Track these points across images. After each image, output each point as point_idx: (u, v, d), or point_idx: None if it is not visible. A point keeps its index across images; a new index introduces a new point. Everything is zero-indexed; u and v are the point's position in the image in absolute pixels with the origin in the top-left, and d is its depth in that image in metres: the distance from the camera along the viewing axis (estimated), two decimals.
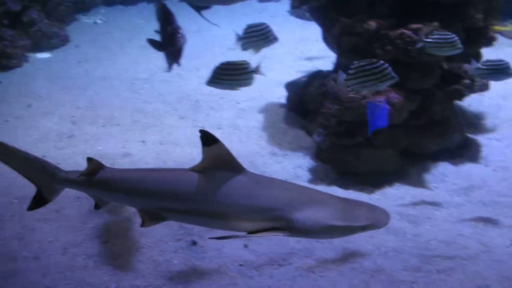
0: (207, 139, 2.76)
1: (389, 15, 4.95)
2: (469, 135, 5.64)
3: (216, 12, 10.97)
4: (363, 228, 2.89)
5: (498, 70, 4.11)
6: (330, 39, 5.72)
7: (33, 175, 3.17)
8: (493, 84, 6.75)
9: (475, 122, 5.95)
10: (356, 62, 3.82)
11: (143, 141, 6.01)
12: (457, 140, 5.41)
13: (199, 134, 2.80)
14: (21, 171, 3.20)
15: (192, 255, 4.05)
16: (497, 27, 5.43)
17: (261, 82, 7.82)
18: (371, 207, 3.02)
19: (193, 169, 2.86)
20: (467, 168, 5.13)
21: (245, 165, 5.48)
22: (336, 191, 5.02)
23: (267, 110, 6.87)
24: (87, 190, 3.27)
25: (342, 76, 3.95)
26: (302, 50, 9.15)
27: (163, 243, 4.07)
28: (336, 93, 5.04)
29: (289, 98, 6.69)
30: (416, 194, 4.82)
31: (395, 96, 4.81)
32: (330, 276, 3.91)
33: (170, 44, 4.22)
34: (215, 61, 8.46)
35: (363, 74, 3.79)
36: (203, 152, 2.83)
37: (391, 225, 4.41)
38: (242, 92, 7.30)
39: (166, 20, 4.29)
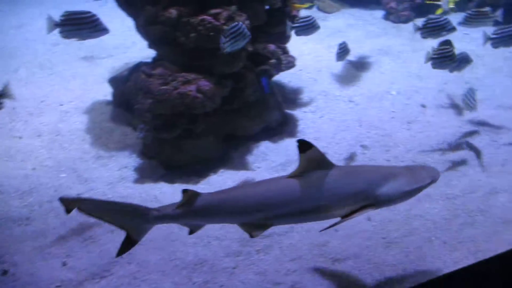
0: (303, 146, 3.01)
1: (190, 1, 4.81)
2: (288, 111, 5.84)
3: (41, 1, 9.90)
4: (428, 185, 3.27)
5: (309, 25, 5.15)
6: (140, 29, 5.44)
7: (125, 222, 3.06)
8: (310, 60, 7.19)
9: (294, 97, 6.18)
10: None
11: None
12: (276, 117, 5.56)
13: (296, 143, 3.03)
14: (114, 222, 3.08)
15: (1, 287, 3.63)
16: (297, 5, 5.64)
17: (87, 79, 7.42)
18: (427, 167, 3.48)
19: (292, 175, 3.06)
20: (285, 144, 5.30)
21: (66, 173, 5.14)
22: (163, 186, 4.88)
23: (93, 109, 6.40)
24: (183, 221, 3.18)
25: None
26: (134, 40, 8.72)
27: None
28: (148, 86, 4.82)
29: (114, 94, 6.29)
30: (238, 178, 4.85)
31: (205, 84, 4.74)
32: (153, 279, 3.77)
33: None
34: (36, 60, 7.76)
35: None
36: (300, 158, 3.04)
37: None
38: (66, 92, 6.82)
39: None
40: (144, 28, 5.01)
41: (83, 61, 7.59)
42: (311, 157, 3.02)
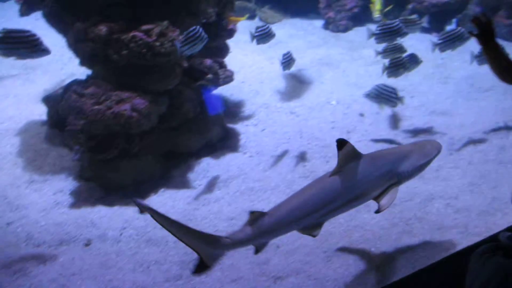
0: (341, 145, 3.24)
1: (122, 17, 4.65)
2: (230, 125, 5.76)
3: None
4: (436, 156, 3.63)
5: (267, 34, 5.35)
6: (71, 46, 5.21)
7: (198, 246, 3.15)
8: (252, 72, 7.16)
9: (236, 111, 6.11)
10: None
11: None
12: (218, 133, 5.47)
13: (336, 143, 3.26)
14: (188, 243, 3.16)
15: None
16: (233, 18, 5.58)
17: (20, 98, 7.04)
18: (431, 141, 3.84)
19: (333, 173, 3.29)
20: (227, 159, 5.21)
21: None
22: (101, 210, 4.66)
23: (27, 130, 6.06)
24: (253, 243, 3.26)
25: None
26: (71, 55, 8.39)
27: None
28: (80, 107, 4.61)
29: (49, 114, 5.99)
30: (179, 197, 4.72)
31: (140, 102, 4.58)
32: None
33: None
34: None
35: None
36: (339, 156, 3.27)
37: (154, 236, 4.27)
38: None
39: None
40: (74, 46, 4.80)
41: (16, 79, 7.21)
42: (346, 152, 3.26)
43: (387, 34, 5.20)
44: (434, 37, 7.94)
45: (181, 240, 3.15)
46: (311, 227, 3.26)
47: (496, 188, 4.39)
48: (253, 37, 5.34)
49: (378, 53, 5.34)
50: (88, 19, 4.69)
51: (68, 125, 4.65)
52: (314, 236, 3.28)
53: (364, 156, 3.33)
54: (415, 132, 5.40)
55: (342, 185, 3.26)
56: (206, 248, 3.13)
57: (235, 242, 3.17)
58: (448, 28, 7.41)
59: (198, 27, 4.46)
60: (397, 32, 5.19)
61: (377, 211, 3.34)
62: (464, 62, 6.49)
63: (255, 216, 3.16)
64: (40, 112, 6.20)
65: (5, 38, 4.24)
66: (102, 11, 4.77)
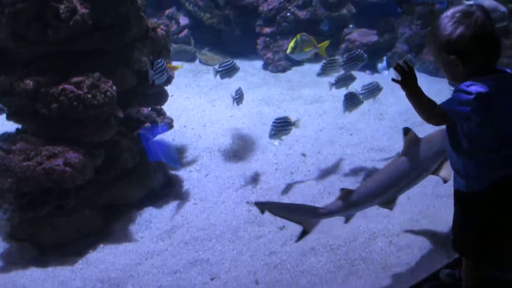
0: (406, 132, 3.97)
1: (50, 69, 4.47)
2: (173, 172, 5.60)
3: None
4: None
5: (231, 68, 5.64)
6: None
7: (300, 218, 3.91)
8: (194, 115, 7.08)
9: (179, 157, 5.97)
10: None
11: None
12: (160, 181, 5.30)
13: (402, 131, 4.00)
14: (293, 219, 3.96)
15: None
16: (170, 66, 5.51)
17: None
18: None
19: (402, 155, 4.00)
20: (171, 208, 5.03)
21: None
22: (33, 272, 4.32)
23: None
24: (343, 214, 4.00)
25: None
26: None
27: None
28: (7, 164, 4.31)
29: None
30: (119, 252, 4.47)
31: (73, 156, 4.35)
32: None
33: None
34: None
35: None
36: (404, 141, 3.99)
37: None
38: None
39: None
40: (0, 100, 4.54)
41: None
42: (410, 138, 3.94)
43: (352, 62, 5.49)
44: (367, 74, 8.28)
45: (290, 219, 3.96)
46: (388, 201, 3.95)
47: (435, 223, 4.48)
48: (216, 72, 5.59)
49: (332, 84, 5.52)
50: (14, 72, 4.48)
51: None
52: (391, 209, 4.00)
53: (421, 138, 3.96)
54: (356, 170, 5.47)
55: (410, 164, 3.92)
56: (309, 219, 3.90)
57: (328, 212, 3.92)
58: (380, 65, 7.70)
59: (162, 61, 4.84)
60: (360, 61, 5.54)
61: (445, 181, 3.89)
62: (397, 99, 6.76)
63: (345, 192, 3.91)
64: None
65: None
66: (29, 64, 4.58)
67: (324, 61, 5.66)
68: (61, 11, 4.27)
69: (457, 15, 2.76)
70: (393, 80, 3.02)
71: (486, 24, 2.73)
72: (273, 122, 5.18)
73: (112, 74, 4.60)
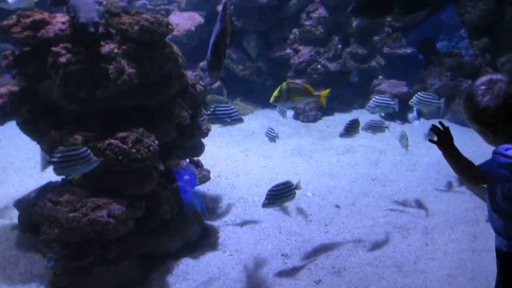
0: None
1: (97, 124, 4.71)
2: (209, 222, 5.69)
3: None
4: None
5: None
6: None
7: None
8: (228, 164, 7.23)
9: (213, 206, 6.07)
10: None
11: None
12: (196, 231, 5.36)
13: None
14: None
15: None
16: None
17: None
18: None
19: None
20: (207, 259, 5.07)
21: None
22: None
23: None
24: None
25: None
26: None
27: None
28: (54, 215, 4.49)
29: (20, 218, 5.79)
30: None
31: (117, 208, 4.49)
32: None
33: None
34: None
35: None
36: None
37: None
38: None
39: None
40: (49, 154, 4.77)
41: None
42: None
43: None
44: (398, 124, 8.34)
45: None
46: None
47: (474, 279, 4.38)
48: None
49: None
50: (63, 127, 4.73)
51: (42, 234, 4.50)
52: None
53: None
54: (390, 223, 5.44)
55: None
56: None
57: None
58: (411, 116, 7.78)
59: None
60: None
61: None
62: (429, 148, 6.77)
63: None
64: (11, 215, 6.01)
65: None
66: (77, 119, 4.83)
67: (346, 122, 5.70)
68: (110, 71, 4.54)
69: (482, 87, 2.85)
70: (429, 140, 3.09)
71: (509, 92, 2.80)
72: (269, 190, 4.77)
73: (154, 128, 4.79)
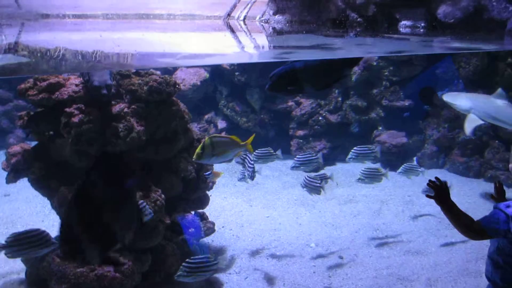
0: None
1: None
2: (214, 275, 5.70)
3: None
4: None
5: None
6: (55, 209, 5.30)
7: None
8: (232, 215, 7.30)
9: (218, 258, 6.08)
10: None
11: None
12: (201, 284, 5.37)
13: None
14: None
15: None
16: (216, 172, 5.86)
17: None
18: None
19: None
20: None
21: None
22: None
23: None
24: None
25: None
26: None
27: None
28: (62, 271, 4.55)
29: (28, 273, 5.81)
30: None
31: (125, 262, 4.57)
32: None
33: None
34: None
35: None
36: None
37: None
38: None
39: None
40: (59, 209, 4.90)
41: None
42: None
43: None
44: (397, 174, 8.43)
45: None
46: None
47: None
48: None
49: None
50: (73, 183, 4.87)
51: None
52: None
53: None
54: (393, 275, 5.44)
55: None
56: None
57: None
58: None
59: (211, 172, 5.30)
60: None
61: None
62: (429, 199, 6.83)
63: None
64: (19, 269, 6.05)
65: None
66: (87, 176, 4.97)
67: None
68: (120, 129, 4.74)
69: None
70: (427, 196, 3.21)
71: None
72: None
73: (161, 182, 4.93)
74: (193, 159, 4.72)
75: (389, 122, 8.93)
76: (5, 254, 4.40)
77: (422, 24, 4.36)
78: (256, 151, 6.02)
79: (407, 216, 6.79)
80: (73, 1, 5.49)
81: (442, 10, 4.25)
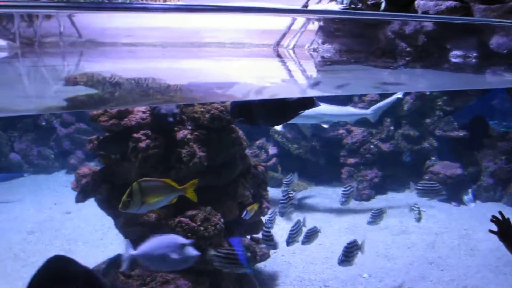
0: None
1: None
2: None
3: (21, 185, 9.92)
4: None
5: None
6: (120, 229, 5.52)
7: None
8: (284, 242, 7.29)
9: (270, 284, 6.10)
10: None
11: None
12: None
13: None
14: None
15: None
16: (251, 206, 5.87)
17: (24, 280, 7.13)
18: None
19: None
20: None
21: None
22: None
23: None
24: None
25: None
26: (110, 224, 8.72)
27: None
28: None
29: None
30: None
31: (183, 283, 4.68)
32: None
33: None
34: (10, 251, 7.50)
35: None
36: None
37: None
38: None
39: None
40: (123, 229, 5.10)
41: (59, 250, 7.44)
42: None
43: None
44: (453, 206, 8.19)
45: None
46: None
47: None
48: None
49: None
50: None
51: None
52: None
53: None
54: None
55: None
56: None
57: None
58: (466, 198, 7.65)
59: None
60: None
61: None
62: (487, 232, 6.57)
63: None
64: None
65: None
66: None
67: (373, 211, 6.17)
68: (183, 154, 4.93)
69: None
70: (490, 231, 3.13)
71: None
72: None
73: (220, 207, 5.05)
74: (120, 209, 3.94)
75: (443, 153, 8.74)
76: None
77: (474, 54, 4.30)
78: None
79: (463, 250, 6.56)
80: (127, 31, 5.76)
81: (495, 41, 4.20)
